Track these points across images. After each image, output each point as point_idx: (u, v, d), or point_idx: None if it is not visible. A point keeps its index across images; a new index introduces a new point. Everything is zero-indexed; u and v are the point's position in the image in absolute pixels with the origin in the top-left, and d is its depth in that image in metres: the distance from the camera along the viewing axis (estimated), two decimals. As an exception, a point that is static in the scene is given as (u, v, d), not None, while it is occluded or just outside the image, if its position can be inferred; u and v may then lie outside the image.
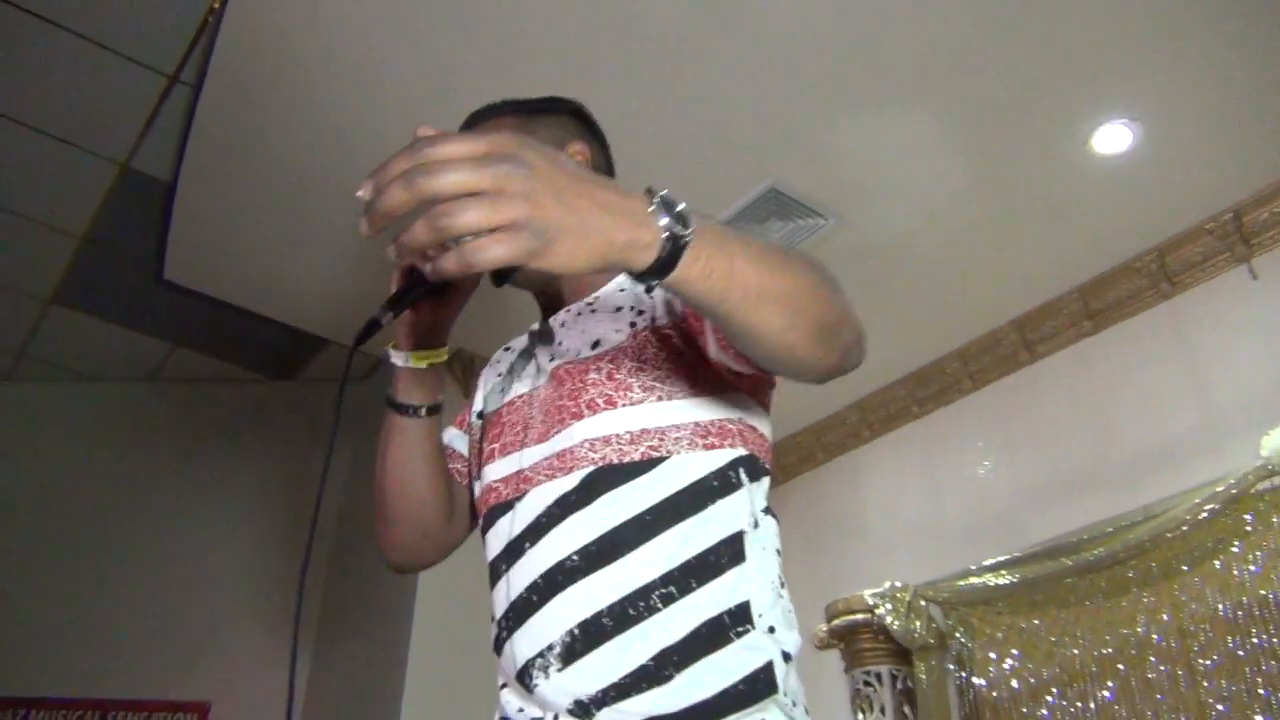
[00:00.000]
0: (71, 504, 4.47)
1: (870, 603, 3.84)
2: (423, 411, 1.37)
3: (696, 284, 0.88)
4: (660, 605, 1.10)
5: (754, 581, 1.15)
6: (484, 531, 1.32)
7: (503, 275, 1.32)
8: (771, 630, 1.13)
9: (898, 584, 3.81)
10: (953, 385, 4.25)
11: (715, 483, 1.17)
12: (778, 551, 1.21)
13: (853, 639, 3.92)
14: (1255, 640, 2.94)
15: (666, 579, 1.11)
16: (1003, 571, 3.61)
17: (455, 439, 1.50)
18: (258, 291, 4.01)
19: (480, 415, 1.47)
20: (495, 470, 1.31)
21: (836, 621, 3.94)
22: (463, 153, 0.76)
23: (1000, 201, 3.43)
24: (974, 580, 3.68)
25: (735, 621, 1.11)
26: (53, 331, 4.46)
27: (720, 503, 1.16)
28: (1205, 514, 3.08)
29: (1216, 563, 3.07)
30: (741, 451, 1.21)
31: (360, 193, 0.79)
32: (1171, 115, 3.09)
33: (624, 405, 1.19)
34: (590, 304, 1.33)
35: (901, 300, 3.89)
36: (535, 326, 1.41)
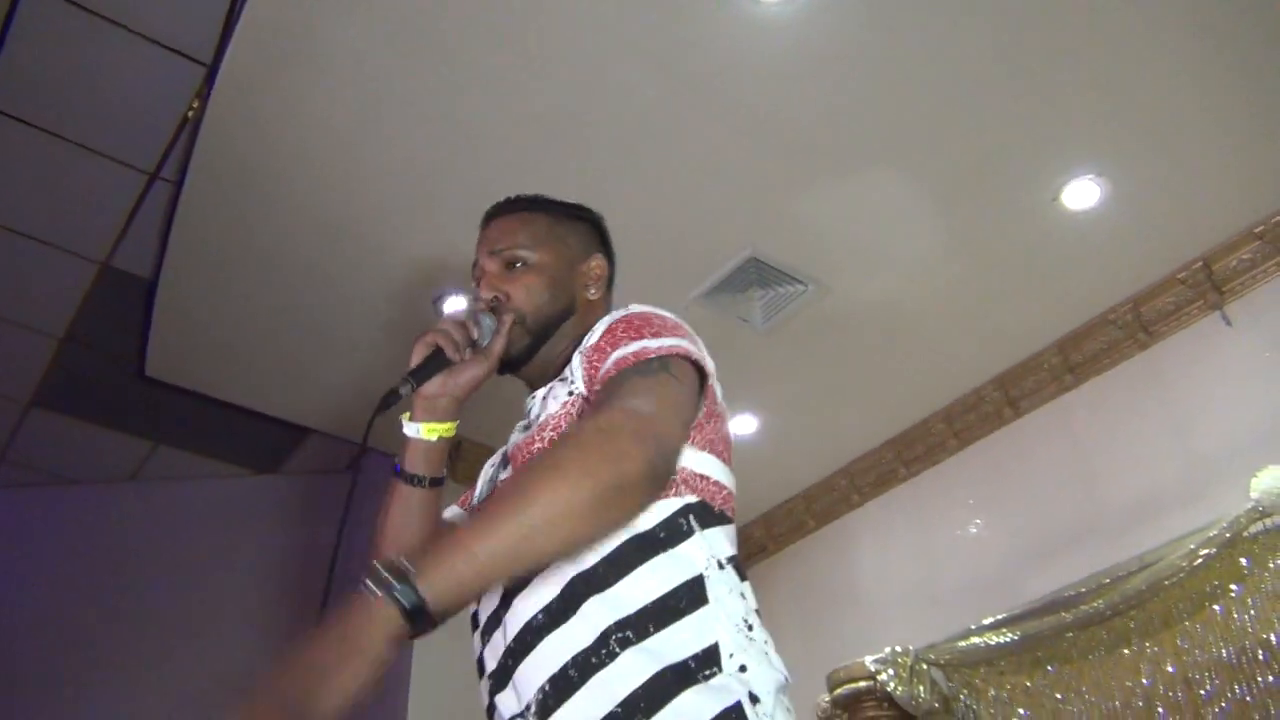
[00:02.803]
0: (55, 608, 4.37)
1: (872, 669, 3.79)
2: (427, 482, 1.41)
3: (460, 601, 1.00)
4: (619, 650, 1.12)
5: (721, 622, 1.16)
6: (471, 612, 1.36)
7: (505, 366, 1.41)
8: (743, 669, 1.14)
9: (898, 648, 3.77)
10: (939, 445, 4.27)
11: (662, 533, 1.20)
12: (742, 595, 1.23)
13: (857, 708, 3.86)
14: (1261, 684, 2.92)
15: (622, 625, 1.14)
16: (1002, 630, 3.58)
17: (456, 515, 1.53)
18: (240, 385, 4.00)
19: (479, 499, 1.52)
20: None
21: (839, 691, 3.88)
22: None
23: (975, 261, 3.50)
24: (974, 640, 3.64)
25: (702, 665, 1.12)
26: (33, 434, 4.40)
27: (671, 551, 1.19)
28: (1200, 559, 3.09)
29: (1216, 608, 3.07)
30: (690, 499, 1.24)
31: None
32: (1137, 168, 3.17)
33: None
34: (551, 387, 1.39)
35: (884, 363, 3.93)
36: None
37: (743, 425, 4.20)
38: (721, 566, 1.22)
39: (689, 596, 1.17)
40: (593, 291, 1.51)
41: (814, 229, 3.36)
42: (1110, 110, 2.99)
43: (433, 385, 1.38)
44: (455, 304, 3.49)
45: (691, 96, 2.92)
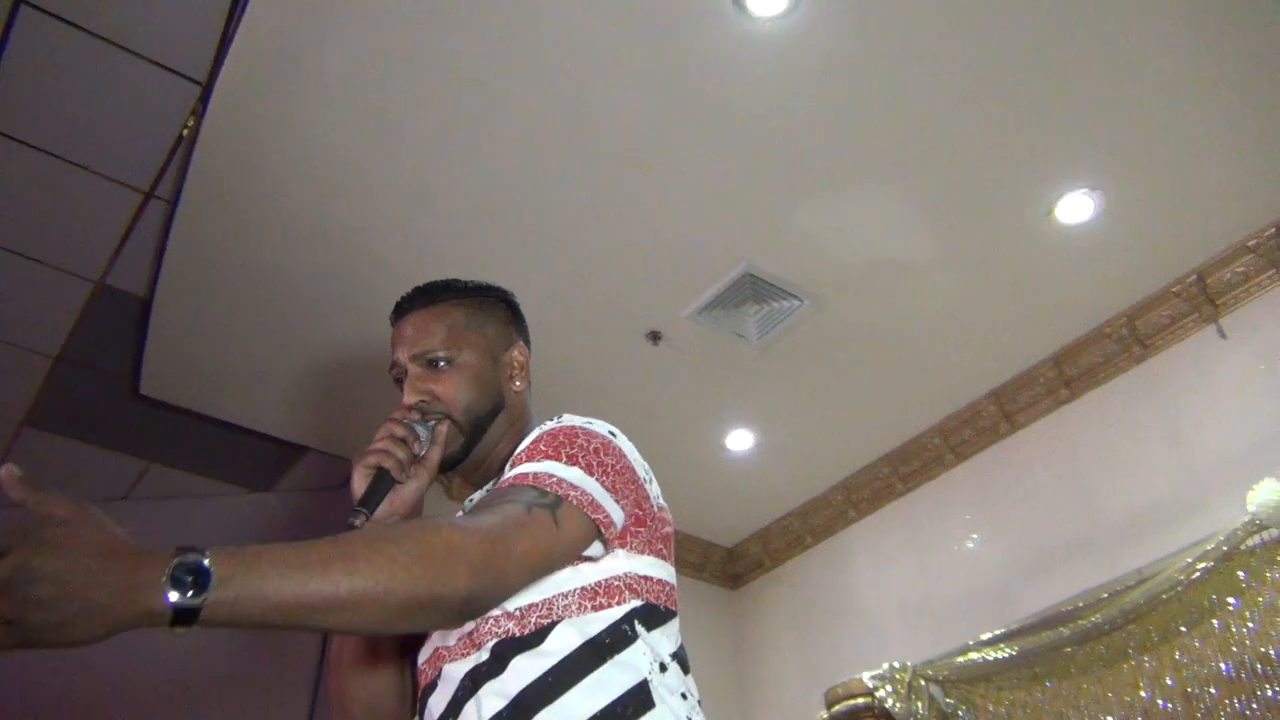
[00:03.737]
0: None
1: (870, 686, 3.78)
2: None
3: (230, 624, 0.95)
4: None
5: None
6: (420, 713, 1.36)
7: (444, 466, 1.40)
8: None
9: (896, 665, 3.76)
10: (935, 460, 4.27)
11: (607, 640, 1.23)
12: (684, 695, 1.26)
13: (855, 724, 3.85)
14: (1260, 698, 2.92)
15: None
16: (1000, 645, 3.58)
17: None
18: (235, 403, 3.99)
19: None
20: (423, 653, 1.37)
21: (837, 708, 3.86)
22: None
23: (970, 275, 3.50)
24: (972, 656, 3.64)
25: None
26: (24, 454, 4.38)
27: (617, 658, 1.23)
28: (1198, 573, 3.08)
29: (1215, 622, 3.06)
30: (635, 604, 1.28)
31: None
32: (1131, 182, 3.18)
33: None
34: (489, 490, 1.41)
35: (880, 378, 3.93)
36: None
37: (738, 441, 4.19)
38: (664, 669, 1.26)
39: (635, 703, 1.20)
40: (518, 384, 1.51)
41: (810, 244, 3.36)
42: (1104, 124, 3.00)
43: (381, 509, 1.35)
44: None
45: (687, 111, 2.93)
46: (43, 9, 2.76)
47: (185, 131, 3.09)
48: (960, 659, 3.66)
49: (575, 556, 1.26)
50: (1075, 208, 3.24)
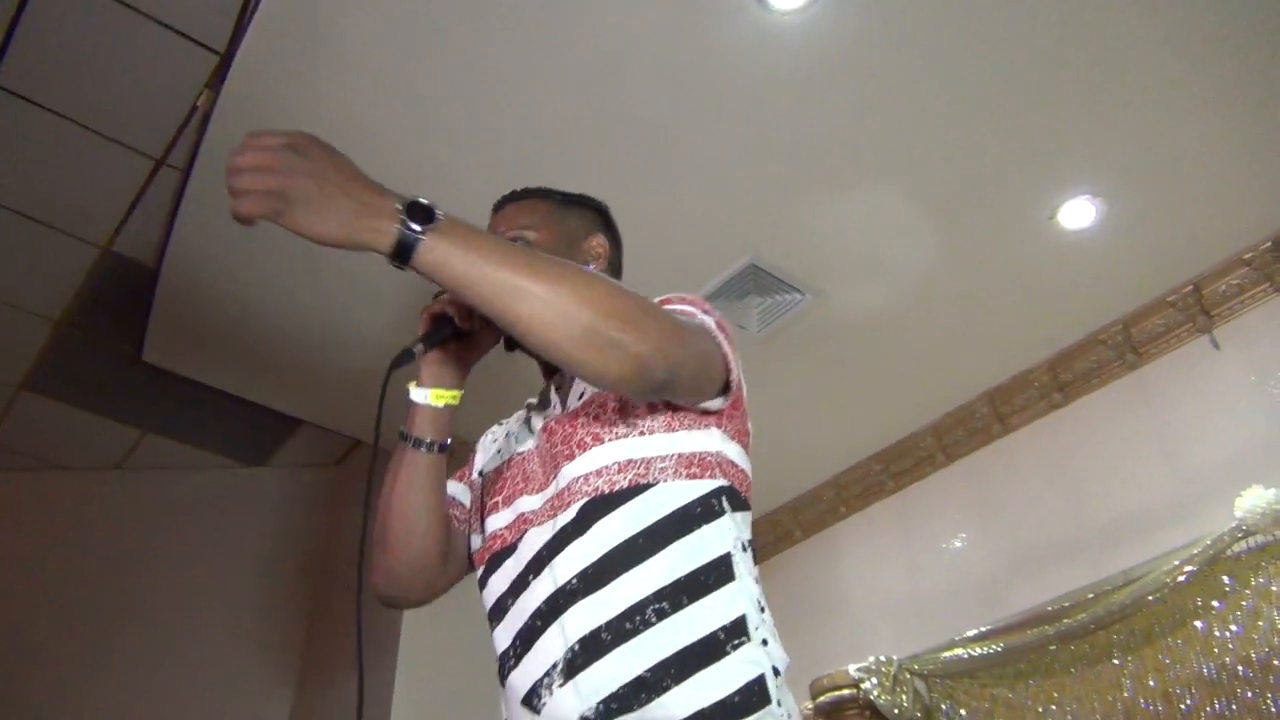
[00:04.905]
0: (41, 592, 4.35)
1: (855, 677, 3.83)
2: (435, 448, 1.41)
3: (438, 274, 1.07)
4: (654, 620, 1.17)
5: (746, 598, 1.23)
6: (485, 579, 1.40)
7: (511, 342, 1.41)
8: (765, 643, 1.21)
9: (882, 658, 3.81)
10: (927, 459, 4.31)
11: (699, 509, 1.26)
12: (756, 579, 1.29)
13: (839, 715, 3.89)
14: (1240, 699, 2.97)
15: (659, 595, 1.19)
16: (986, 641, 3.63)
17: (458, 491, 1.56)
18: (236, 373, 4.00)
19: (481, 474, 1.56)
20: (498, 520, 1.42)
21: (822, 698, 3.91)
22: (264, 140, 1.03)
23: (970, 276, 3.55)
24: (957, 651, 3.69)
25: (731, 635, 1.18)
26: (21, 418, 4.38)
27: (705, 528, 1.25)
28: (1184, 576, 3.14)
29: (1198, 624, 3.12)
30: (723, 482, 1.30)
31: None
32: (1132, 190, 3.23)
33: (610, 440, 1.30)
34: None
35: (876, 375, 3.97)
36: (532, 400, 1.56)
37: (734, 432, 4.21)
38: (745, 549, 1.28)
39: (717, 573, 1.22)
40: (592, 268, 1.55)
41: (815, 239, 3.40)
42: (1109, 132, 3.04)
43: (441, 351, 1.40)
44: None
45: (697, 103, 2.96)
46: (64, -29, 2.77)
47: (200, 101, 3.10)
48: (946, 654, 3.71)
49: (709, 393, 1.31)
50: (1078, 213, 3.28)
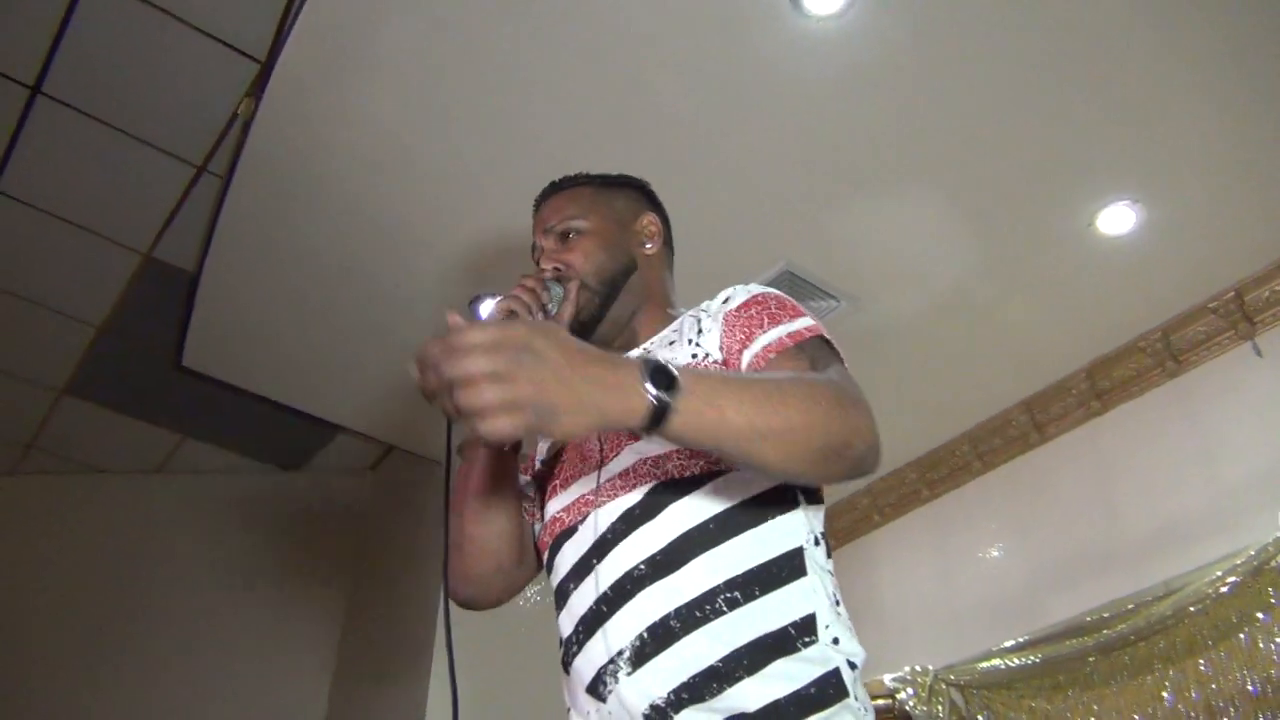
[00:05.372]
0: (80, 596, 4.41)
1: (890, 687, 3.80)
2: (507, 446, 1.41)
3: (687, 435, 0.99)
4: (726, 609, 1.15)
5: (818, 594, 1.20)
6: (550, 561, 1.38)
7: (580, 328, 1.42)
8: (836, 642, 1.18)
9: (918, 668, 3.78)
10: (963, 467, 4.27)
11: (773, 500, 1.23)
12: (830, 573, 1.26)
13: (874, 725, 3.86)
14: (1285, 714, 2.92)
15: (731, 585, 1.16)
16: (1023, 652, 3.59)
17: (525, 484, 1.56)
18: (276, 379, 4.04)
19: (543, 462, 1.54)
20: (558, 502, 1.39)
21: (856, 708, 3.88)
22: (481, 341, 0.90)
23: (1008, 283, 3.51)
24: (995, 662, 3.65)
25: (801, 633, 1.16)
26: (63, 422, 4.45)
27: (779, 518, 1.23)
28: (1226, 588, 3.09)
29: (1242, 636, 3.07)
30: None
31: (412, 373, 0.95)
32: (1173, 196, 3.19)
33: None
34: (647, 349, 1.44)
35: (911, 382, 3.94)
36: None
37: (768, 440, 4.20)
38: (817, 543, 1.26)
39: (789, 566, 1.20)
40: (649, 246, 1.57)
41: (850, 245, 3.38)
42: (1148, 137, 3.01)
43: None
44: (489, 308, 3.53)
45: (731, 109, 2.95)
46: (109, -19, 2.81)
47: (240, 109, 3.14)
48: (983, 664, 3.68)
49: None
50: (1117, 219, 3.24)
